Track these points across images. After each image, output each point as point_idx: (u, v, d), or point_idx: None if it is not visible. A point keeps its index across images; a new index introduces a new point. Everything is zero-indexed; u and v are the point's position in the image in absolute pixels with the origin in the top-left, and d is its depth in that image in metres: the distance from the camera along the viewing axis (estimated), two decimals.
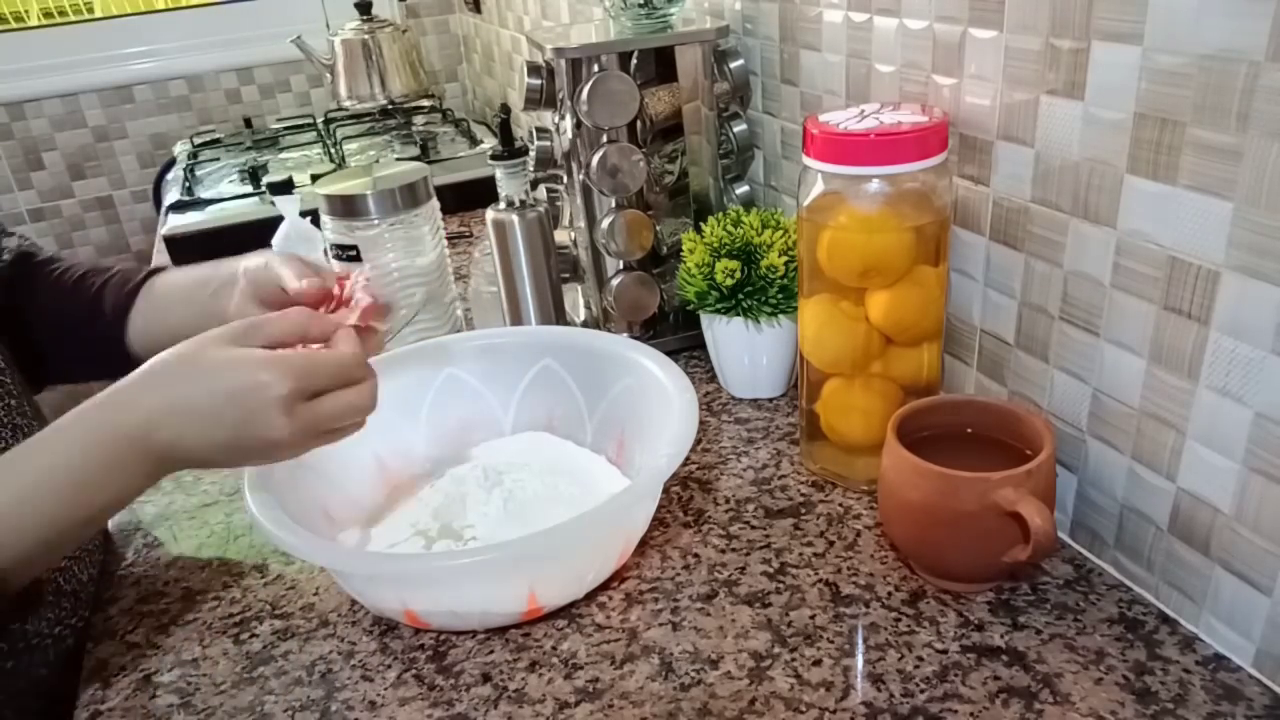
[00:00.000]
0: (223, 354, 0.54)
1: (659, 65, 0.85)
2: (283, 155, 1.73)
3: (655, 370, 0.69)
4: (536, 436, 0.78)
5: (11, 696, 0.63)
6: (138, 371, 0.55)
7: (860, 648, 0.56)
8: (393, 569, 0.59)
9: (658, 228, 0.89)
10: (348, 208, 0.89)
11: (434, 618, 0.60)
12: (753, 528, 0.68)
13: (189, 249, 1.36)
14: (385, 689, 0.57)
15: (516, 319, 0.88)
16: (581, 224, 0.90)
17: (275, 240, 1.09)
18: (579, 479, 0.71)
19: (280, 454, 0.56)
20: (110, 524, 0.77)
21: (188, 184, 1.58)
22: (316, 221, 0.95)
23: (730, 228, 0.81)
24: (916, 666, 0.54)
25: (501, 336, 0.81)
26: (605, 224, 0.87)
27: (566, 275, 0.93)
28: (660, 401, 0.67)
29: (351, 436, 0.59)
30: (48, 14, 2.05)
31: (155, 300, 0.79)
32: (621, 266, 0.90)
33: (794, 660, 0.56)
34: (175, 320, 0.77)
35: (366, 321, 0.62)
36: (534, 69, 0.85)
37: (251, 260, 0.73)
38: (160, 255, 1.41)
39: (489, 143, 1.62)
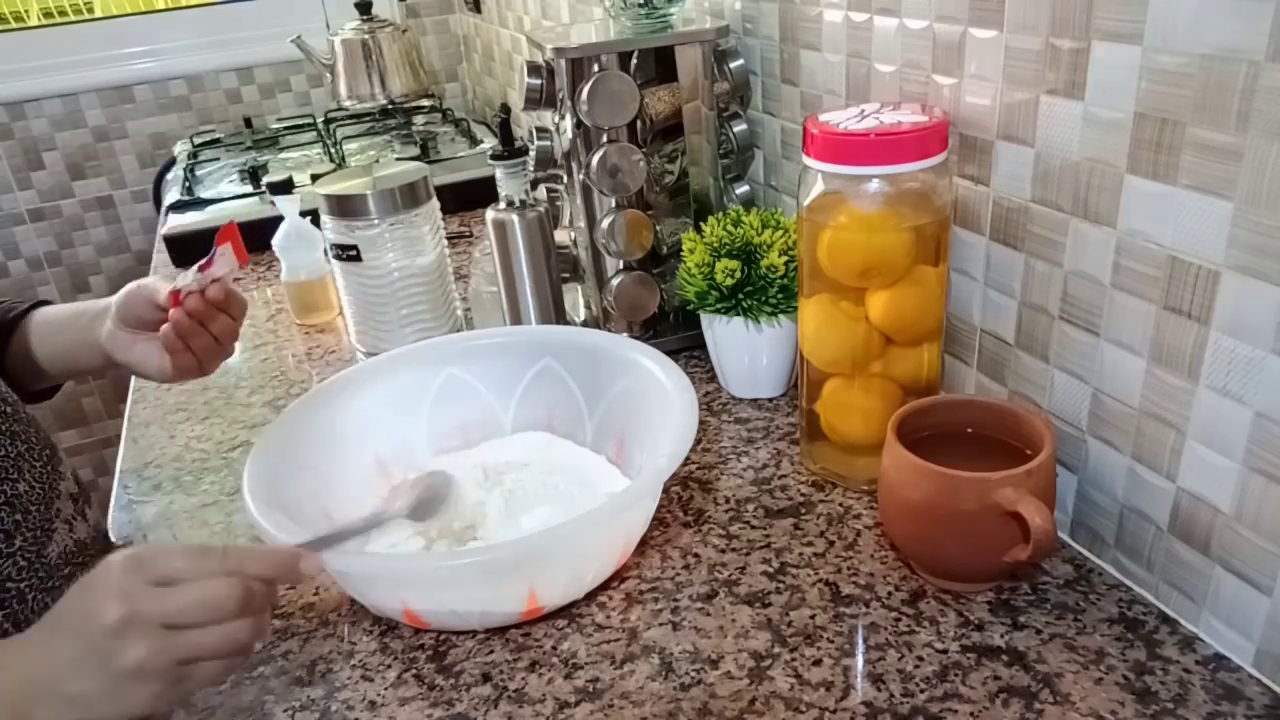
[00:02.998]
0: None
1: (659, 65, 0.85)
2: (283, 155, 1.73)
3: (655, 370, 0.69)
4: (536, 436, 0.78)
5: None
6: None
7: (860, 647, 0.56)
8: (393, 569, 0.59)
9: (658, 228, 0.89)
10: (348, 208, 0.89)
11: (434, 618, 0.60)
12: (753, 528, 0.68)
13: (189, 248, 1.36)
14: (385, 689, 0.57)
15: (516, 319, 0.88)
16: (581, 224, 0.90)
17: (276, 240, 1.09)
18: (579, 479, 0.71)
19: (122, 650, 0.45)
20: (110, 525, 0.77)
21: (188, 184, 1.58)
22: (316, 221, 0.96)
23: (730, 228, 0.81)
24: (916, 666, 0.54)
25: (501, 336, 0.81)
26: (605, 224, 0.87)
27: (566, 275, 0.93)
28: (660, 401, 0.67)
29: (346, 437, 0.58)
30: (48, 14, 2.05)
31: (35, 329, 0.80)
32: (621, 266, 0.90)
33: (794, 660, 0.56)
34: (52, 349, 0.79)
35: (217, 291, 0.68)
36: (534, 69, 0.85)
37: (123, 290, 0.75)
38: (160, 255, 1.41)
39: (489, 143, 1.62)
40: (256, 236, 1.31)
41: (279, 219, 1.08)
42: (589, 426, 0.76)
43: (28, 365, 0.80)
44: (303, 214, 1.09)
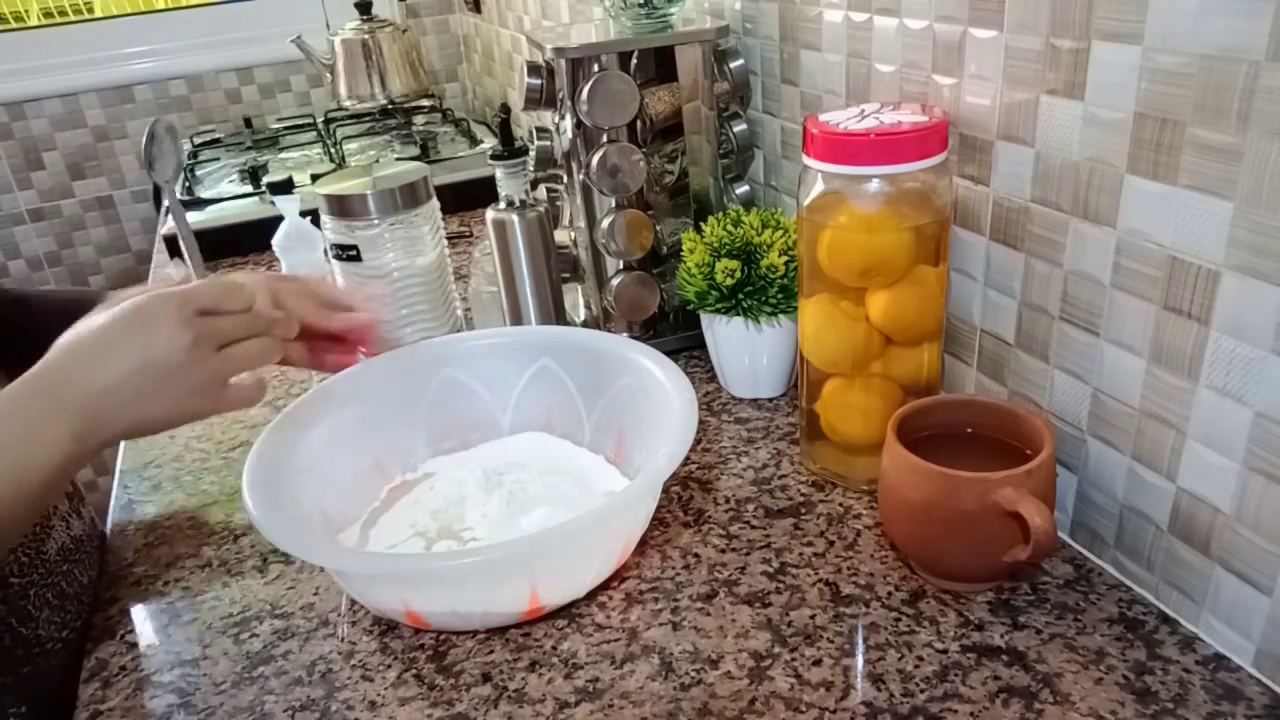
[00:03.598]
0: (120, 298, 0.57)
1: (659, 65, 0.85)
2: (283, 155, 1.73)
3: (654, 370, 0.69)
4: (535, 437, 0.78)
5: (23, 699, 0.64)
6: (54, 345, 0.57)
7: (860, 647, 0.56)
8: (397, 569, 0.59)
9: (658, 228, 0.89)
10: (348, 208, 0.89)
11: (436, 618, 0.60)
12: (753, 528, 0.68)
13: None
14: (385, 689, 0.57)
15: (516, 319, 0.88)
16: (581, 224, 0.89)
17: (276, 240, 1.09)
18: (578, 479, 0.71)
19: (191, 374, 0.56)
20: (110, 524, 0.77)
21: (188, 184, 1.58)
22: (316, 221, 0.96)
23: (730, 228, 0.81)
24: (916, 666, 0.54)
25: (499, 336, 0.81)
26: (605, 224, 0.87)
27: (566, 275, 0.93)
28: (659, 401, 0.67)
29: (345, 438, 0.59)
30: (48, 14, 2.05)
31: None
32: (621, 266, 0.90)
33: (794, 660, 0.56)
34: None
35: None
36: (534, 69, 0.85)
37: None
38: (160, 255, 1.41)
39: (489, 143, 1.62)
40: (257, 236, 1.31)
41: (279, 219, 1.08)
42: (587, 426, 0.76)
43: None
44: (303, 214, 1.09)
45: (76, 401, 0.54)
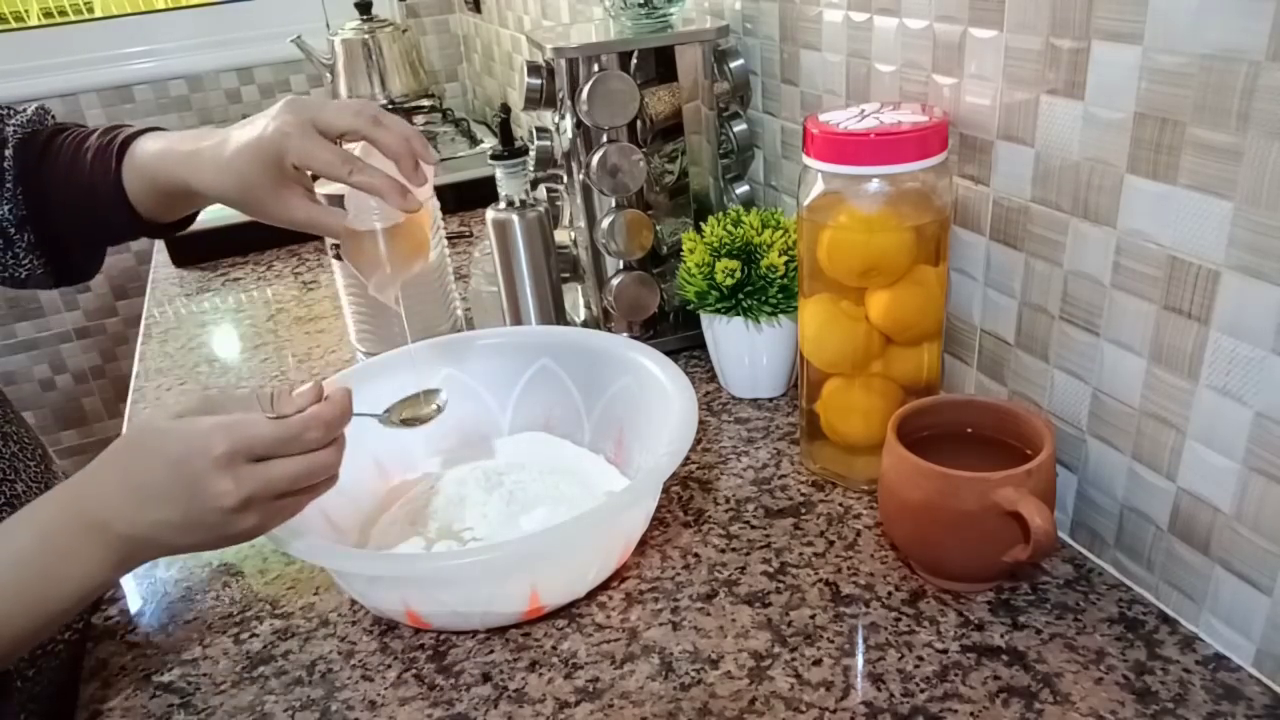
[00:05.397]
0: (167, 425, 0.53)
1: (659, 65, 0.85)
2: None
3: (654, 370, 0.69)
4: (535, 436, 0.78)
5: (31, 701, 0.64)
6: (100, 456, 0.54)
7: (860, 647, 0.56)
8: (397, 569, 0.59)
9: (658, 228, 0.89)
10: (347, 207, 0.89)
11: (436, 618, 0.60)
12: (753, 527, 0.68)
13: (189, 248, 1.36)
14: (385, 689, 0.57)
15: (516, 319, 0.88)
16: (581, 224, 0.90)
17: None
18: (578, 479, 0.71)
19: (238, 524, 0.53)
20: None
21: None
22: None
23: (730, 227, 0.81)
24: (916, 666, 0.54)
25: (499, 336, 0.81)
26: (605, 224, 0.87)
27: (566, 275, 0.93)
28: (659, 401, 0.67)
29: (348, 441, 0.58)
30: (48, 14, 2.05)
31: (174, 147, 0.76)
32: (621, 266, 0.90)
33: (794, 660, 0.56)
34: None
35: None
36: (534, 69, 0.85)
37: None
38: (160, 254, 1.41)
39: (489, 143, 1.62)
40: (257, 236, 1.31)
41: None
42: (587, 426, 0.76)
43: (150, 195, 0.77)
44: None
45: (122, 541, 0.53)
